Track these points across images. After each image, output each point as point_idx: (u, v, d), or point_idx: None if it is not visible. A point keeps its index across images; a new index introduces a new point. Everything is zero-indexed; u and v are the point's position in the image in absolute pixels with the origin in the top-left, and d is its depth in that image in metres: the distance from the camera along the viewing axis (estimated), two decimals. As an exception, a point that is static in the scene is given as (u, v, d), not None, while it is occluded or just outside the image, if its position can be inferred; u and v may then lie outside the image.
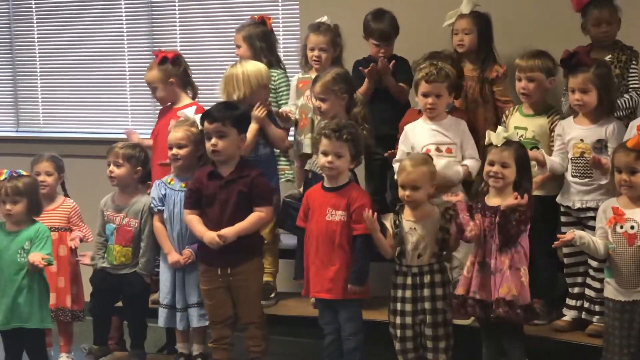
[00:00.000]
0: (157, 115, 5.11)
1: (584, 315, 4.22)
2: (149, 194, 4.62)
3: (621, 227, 3.77)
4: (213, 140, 4.24)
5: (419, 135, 4.38)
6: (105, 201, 4.68)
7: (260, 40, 4.95)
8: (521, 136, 4.31)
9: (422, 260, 3.98)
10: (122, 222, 4.58)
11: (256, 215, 4.24)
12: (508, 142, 3.91)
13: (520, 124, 4.39)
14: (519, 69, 4.35)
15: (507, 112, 4.51)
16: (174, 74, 4.89)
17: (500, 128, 4.03)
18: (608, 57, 4.40)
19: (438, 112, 4.36)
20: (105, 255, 4.60)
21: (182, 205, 4.41)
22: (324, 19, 4.90)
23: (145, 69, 5.00)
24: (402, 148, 4.42)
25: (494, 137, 3.94)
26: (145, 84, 4.98)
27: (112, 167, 4.59)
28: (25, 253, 4.38)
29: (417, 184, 3.95)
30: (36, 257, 4.32)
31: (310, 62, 4.88)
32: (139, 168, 4.64)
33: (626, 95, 4.36)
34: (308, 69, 4.93)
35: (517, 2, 5.00)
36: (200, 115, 4.50)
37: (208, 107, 4.86)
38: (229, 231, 4.19)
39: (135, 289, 4.57)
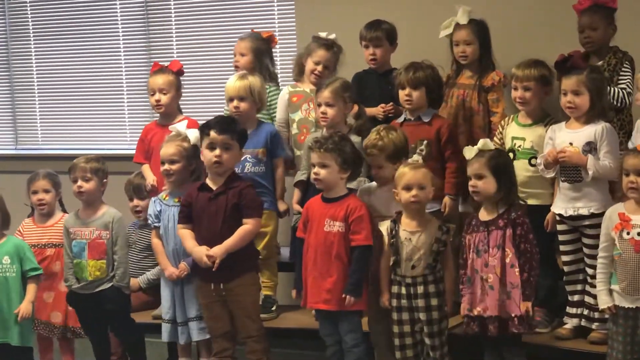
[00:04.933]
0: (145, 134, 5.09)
1: (583, 322, 4.21)
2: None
3: (628, 234, 3.75)
4: (217, 151, 4.20)
5: None
6: (67, 220, 4.61)
7: (265, 56, 5.01)
8: (519, 147, 4.31)
9: (416, 271, 3.97)
10: (93, 235, 4.52)
11: (243, 229, 4.20)
12: (480, 153, 3.93)
13: (518, 134, 4.36)
14: (515, 78, 4.34)
15: (502, 122, 4.49)
16: (180, 87, 4.97)
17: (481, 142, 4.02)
18: (599, 63, 4.42)
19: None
20: (77, 275, 4.51)
21: (175, 220, 4.39)
22: (333, 36, 4.90)
23: (144, 84, 4.99)
24: None
25: (467, 151, 3.97)
26: (142, 100, 4.98)
27: (80, 182, 4.50)
28: (4, 268, 4.43)
29: (423, 183, 3.95)
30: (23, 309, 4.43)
31: (308, 73, 4.87)
32: (105, 180, 4.61)
33: (615, 88, 4.35)
34: (301, 80, 4.93)
35: (516, 8, 5.03)
36: (191, 129, 4.50)
37: (199, 120, 4.87)
38: (217, 250, 4.16)
39: (115, 304, 4.51)
